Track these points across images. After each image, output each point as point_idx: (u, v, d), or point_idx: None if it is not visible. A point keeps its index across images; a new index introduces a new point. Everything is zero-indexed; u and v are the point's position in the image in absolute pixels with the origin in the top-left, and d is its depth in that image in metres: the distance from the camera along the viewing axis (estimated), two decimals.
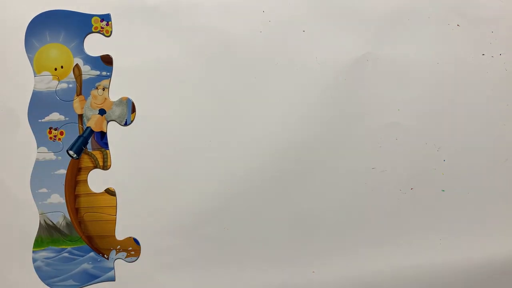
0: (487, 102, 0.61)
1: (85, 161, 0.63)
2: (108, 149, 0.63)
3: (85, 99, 0.63)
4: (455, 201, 0.61)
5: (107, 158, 0.63)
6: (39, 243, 0.63)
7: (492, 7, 0.60)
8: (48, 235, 0.63)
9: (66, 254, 0.63)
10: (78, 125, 0.63)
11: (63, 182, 0.63)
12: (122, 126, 0.63)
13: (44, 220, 0.63)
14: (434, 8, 0.60)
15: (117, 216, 0.63)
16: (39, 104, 0.63)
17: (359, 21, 0.61)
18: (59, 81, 0.63)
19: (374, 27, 0.61)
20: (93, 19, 0.63)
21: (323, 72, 0.61)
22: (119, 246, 0.63)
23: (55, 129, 0.63)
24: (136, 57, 0.63)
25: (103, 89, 0.63)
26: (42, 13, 0.63)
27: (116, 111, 0.63)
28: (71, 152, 0.62)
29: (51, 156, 0.63)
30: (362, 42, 0.61)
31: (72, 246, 0.63)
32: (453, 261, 0.61)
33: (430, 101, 0.61)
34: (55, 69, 0.63)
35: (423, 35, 0.60)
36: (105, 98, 0.63)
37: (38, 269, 0.63)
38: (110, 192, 0.63)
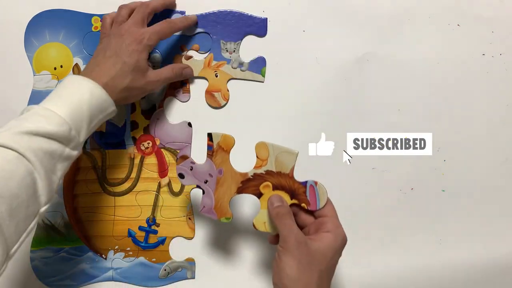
0: (487, 102, 0.61)
1: (84, 161, 0.63)
2: (107, 149, 0.63)
3: None
4: (455, 201, 0.61)
5: (106, 158, 0.63)
6: (37, 242, 0.63)
7: (492, 7, 0.60)
8: (46, 235, 0.63)
9: (64, 254, 0.62)
10: None
11: (61, 182, 0.63)
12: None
13: (42, 220, 0.63)
14: (434, 8, 0.60)
15: (115, 216, 0.62)
16: (38, 103, 0.62)
17: (359, 21, 0.61)
18: (58, 81, 0.63)
19: (374, 27, 0.61)
20: (93, 19, 0.63)
21: (323, 72, 0.61)
22: (117, 246, 0.63)
23: None
24: None
25: None
26: (42, 12, 0.63)
27: None
28: None
29: None
30: (362, 42, 0.61)
31: (70, 246, 0.63)
32: (452, 261, 0.61)
33: (430, 101, 0.61)
34: (55, 68, 0.63)
35: (423, 35, 0.60)
36: None
37: (35, 269, 0.62)
38: (108, 192, 0.63)
